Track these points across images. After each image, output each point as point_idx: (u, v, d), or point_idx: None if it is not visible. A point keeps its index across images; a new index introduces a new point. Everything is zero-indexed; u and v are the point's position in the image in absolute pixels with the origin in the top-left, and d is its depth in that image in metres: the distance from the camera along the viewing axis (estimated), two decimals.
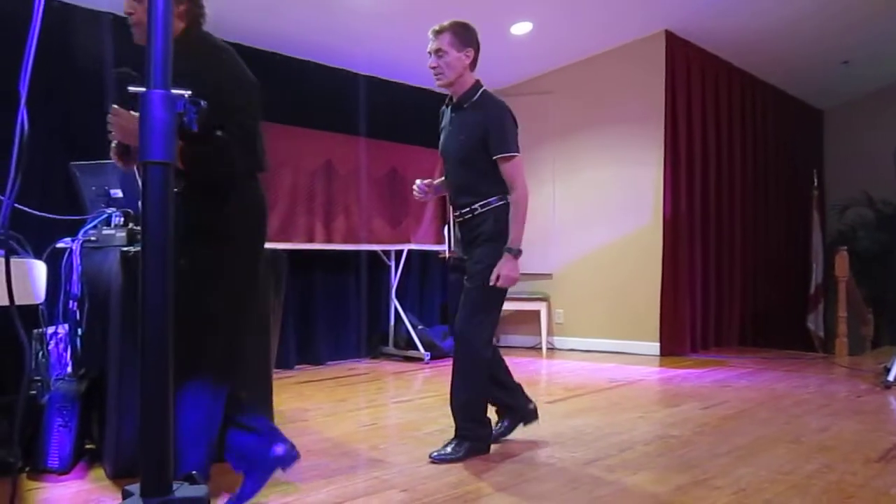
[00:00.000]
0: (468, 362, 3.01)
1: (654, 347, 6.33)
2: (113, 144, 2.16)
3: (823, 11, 6.14)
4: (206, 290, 2.12)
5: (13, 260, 1.64)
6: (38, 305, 2.72)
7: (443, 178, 3.24)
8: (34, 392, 2.82)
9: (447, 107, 3.16)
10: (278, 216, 5.30)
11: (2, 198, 1.35)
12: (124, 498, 1.12)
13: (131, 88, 1.19)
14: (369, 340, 6.27)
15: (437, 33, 2.98)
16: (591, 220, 6.72)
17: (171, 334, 1.14)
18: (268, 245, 3.17)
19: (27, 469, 2.68)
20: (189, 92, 1.17)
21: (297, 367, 5.57)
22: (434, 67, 2.99)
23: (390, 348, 6.28)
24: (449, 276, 3.26)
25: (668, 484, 2.65)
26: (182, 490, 1.13)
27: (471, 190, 3.03)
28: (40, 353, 2.97)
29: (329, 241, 5.64)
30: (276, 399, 3.18)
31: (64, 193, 3.98)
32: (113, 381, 2.64)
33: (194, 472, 1.22)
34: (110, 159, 2.26)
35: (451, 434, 3.05)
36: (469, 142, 3.00)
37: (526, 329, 6.96)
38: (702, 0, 5.84)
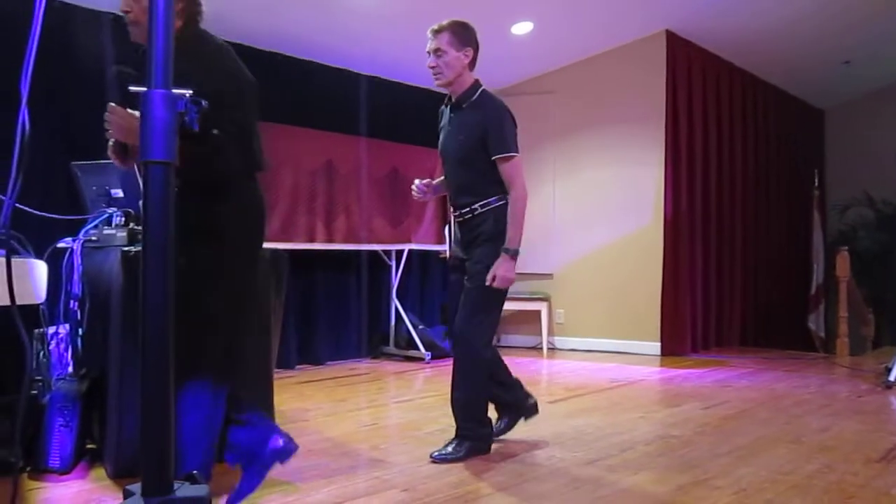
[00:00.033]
0: (468, 362, 3.01)
1: (655, 347, 6.32)
2: (110, 142, 2.16)
3: (824, 11, 6.14)
4: (205, 290, 2.12)
5: (14, 260, 1.64)
6: (38, 305, 2.72)
7: (442, 177, 3.23)
8: (35, 392, 2.82)
9: (446, 106, 3.16)
10: (279, 216, 5.30)
11: (3, 198, 1.35)
12: (125, 497, 1.12)
13: (132, 88, 1.19)
14: (370, 340, 6.27)
15: (436, 33, 2.97)
16: (592, 220, 6.71)
17: (172, 334, 1.14)
18: (269, 245, 3.18)
19: (28, 469, 2.68)
20: (190, 91, 1.17)
21: (297, 366, 5.57)
22: (433, 67, 2.98)
23: (391, 348, 6.28)
24: (449, 277, 3.25)
25: (668, 484, 2.65)
26: (183, 490, 1.13)
27: (470, 190, 3.03)
28: (41, 353, 2.97)
29: (330, 240, 5.64)
30: (276, 399, 3.18)
31: (65, 193, 3.98)
32: (114, 381, 2.64)
33: (195, 471, 1.21)
34: (110, 159, 2.26)
35: (452, 434, 3.05)
36: (468, 142, 2.99)
37: (527, 329, 6.96)
38: (702, 0, 5.84)
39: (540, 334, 6.72)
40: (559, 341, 6.86)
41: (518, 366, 5.09)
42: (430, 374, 5.43)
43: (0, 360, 2.65)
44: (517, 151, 2.99)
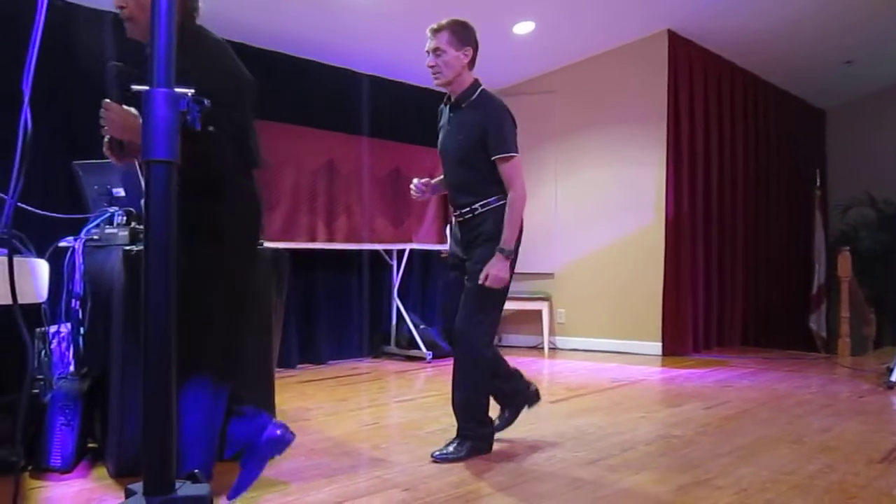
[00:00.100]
0: (468, 362, 3.01)
1: (656, 347, 6.32)
2: (106, 139, 2.15)
3: (825, 11, 6.14)
4: (205, 289, 2.11)
5: (16, 259, 1.64)
6: (40, 304, 2.72)
7: (441, 177, 3.22)
8: (37, 391, 2.82)
9: (445, 105, 3.15)
10: (280, 215, 5.30)
11: (5, 197, 1.36)
12: (127, 496, 1.12)
13: (135, 87, 1.18)
14: (371, 340, 6.27)
15: (436, 32, 2.96)
16: (593, 220, 6.71)
17: (174, 333, 1.14)
18: (270, 244, 3.18)
19: (30, 468, 2.68)
20: (192, 90, 1.17)
21: (298, 366, 5.57)
22: (432, 66, 2.97)
23: (392, 348, 6.28)
24: (447, 275, 3.23)
25: (669, 484, 2.65)
26: (185, 489, 1.13)
27: (470, 190, 3.02)
28: (43, 352, 2.97)
29: (331, 240, 5.64)
30: (277, 398, 3.18)
31: (66, 192, 3.98)
32: (115, 380, 2.64)
33: (197, 470, 1.21)
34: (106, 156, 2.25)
35: (453, 433, 3.05)
36: (467, 142, 2.99)
37: (528, 329, 6.96)
38: (704, 0, 5.84)
39: (541, 334, 6.72)
40: (560, 341, 6.86)
41: (519, 365, 5.07)
42: (431, 373, 5.43)
43: (2, 359, 2.65)
44: (517, 152, 2.98)
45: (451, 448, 2.99)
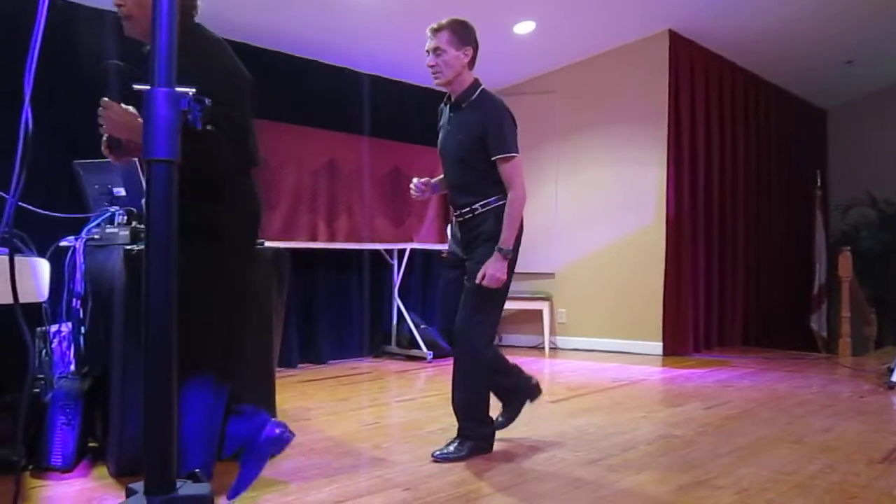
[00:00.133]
0: (469, 362, 3.01)
1: (657, 347, 6.32)
2: (104, 138, 2.14)
3: (826, 11, 6.13)
4: (205, 289, 2.11)
5: (17, 258, 1.64)
6: (41, 303, 2.72)
7: (441, 176, 3.21)
8: (37, 390, 2.82)
9: (445, 105, 3.14)
10: (281, 215, 5.30)
11: (6, 196, 1.36)
12: (128, 496, 1.12)
13: (136, 87, 1.18)
14: (372, 339, 6.27)
15: (435, 31, 2.95)
16: (594, 220, 6.71)
17: (175, 332, 1.14)
18: (270, 244, 3.18)
19: (30, 467, 2.68)
20: (193, 90, 1.17)
21: (299, 365, 5.57)
22: (432, 66, 2.96)
23: (393, 347, 6.28)
24: (446, 274, 3.22)
25: (670, 484, 2.65)
26: (185, 488, 1.13)
27: (470, 189, 3.02)
28: (44, 352, 2.98)
29: (332, 240, 5.65)
30: (278, 398, 3.18)
31: (67, 192, 3.98)
32: (116, 380, 2.64)
33: (197, 470, 1.21)
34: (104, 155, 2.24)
35: (454, 433, 3.05)
36: (467, 141, 2.98)
37: (528, 328, 6.96)
38: (704, 0, 5.83)
39: (542, 334, 6.72)
40: (561, 341, 6.86)
41: (520, 365, 5.07)
42: (431, 373, 5.43)
43: (2, 359, 2.65)
44: (517, 152, 2.98)
45: (451, 448, 2.99)
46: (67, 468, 2.68)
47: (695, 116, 6.64)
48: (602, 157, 6.72)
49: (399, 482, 2.65)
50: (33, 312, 2.82)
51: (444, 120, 3.14)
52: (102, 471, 2.72)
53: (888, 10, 6.18)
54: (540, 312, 6.71)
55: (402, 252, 6.23)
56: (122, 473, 2.61)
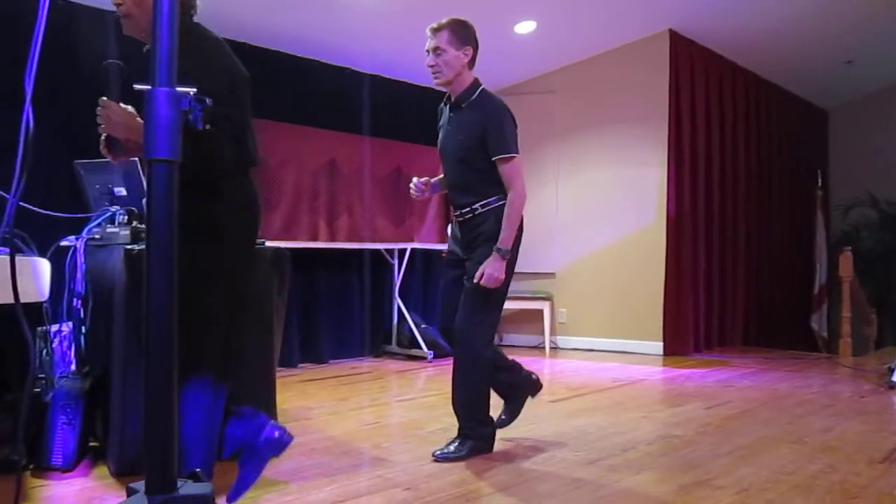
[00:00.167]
0: (468, 362, 3.01)
1: (658, 347, 6.32)
2: (102, 137, 2.14)
3: (827, 11, 6.13)
4: (204, 289, 2.11)
5: (17, 258, 1.64)
6: (42, 303, 2.72)
7: (441, 176, 3.21)
8: (38, 390, 2.82)
9: (445, 105, 3.14)
10: (281, 214, 5.30)
11: (7, 196, 1.36)
12: (129, 495, 1.12)
13: (137, 86, 1.18)
14: (372, 339, 6.27)
15: (435, 31, 2.94)
16: (595, 220, 6.71)
17: (176, 332, 1.14)
18: (271, 243, 3.18)
19: (31, 466, 2.69)
20: (194, 90, 1.17)
21: (300, 365, 5.57)
22: (432, 66, 2.96)
23: (393, 347, 6.28)
24: (448, 275, 3.22)
25: (670, 484, 2.65)
26: (186, 487, 1.13)
27: (470, 189, 3.01)
28: (44, 351, 2.98)
29: (332, 239, 5.65)
30: (279, 397, 3.18)
31: (68, 191, 3.98)
32: (117, 379, 2.65)
33: (199, 469, 1.21)
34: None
35: (455, 433, 3.05)
36: (467, 142, 2.98)
37: (529, 328, 6.96)
38: (705, 0, 5.83)
39: (542, 333, 6.72)
40: (561, 340, 6.86)
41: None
42: (432, 372, 5.43)
43: (3, 358, 2.66)
44: (517, 152, 2.97)
45: (452, 447, 2.99)
46: (68, 468, 2.68)
47: (695, 116, 6.63)
48: (602, 156, 6.71)
49: (399, 482, 2.65)
50: (34, 312, 2.83)
51: (443, 120, 3.14)
52: (103, 470, 2.72)
53: (888, 9, 6.18)
54: (540, 312, 6.71)
55: (402, 252, 6.23)
56: (122, 473, 2.61)
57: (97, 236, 3.00)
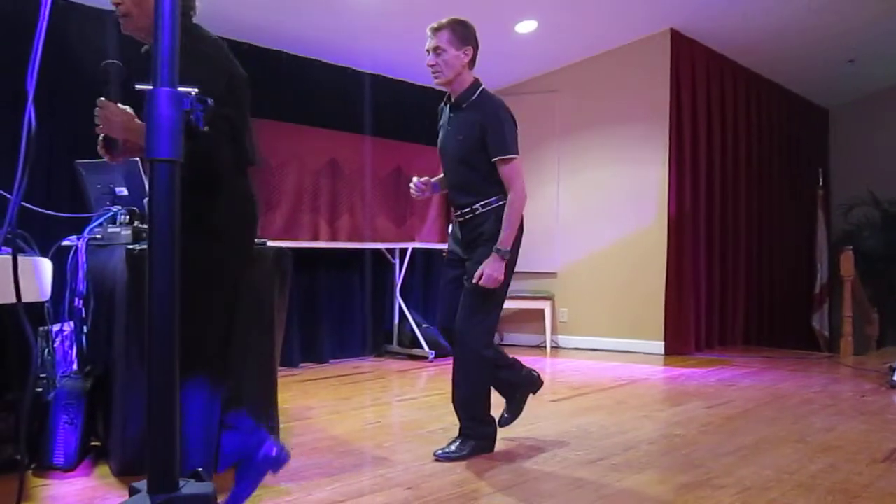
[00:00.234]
0: (468, 362, 3.01)
1: (659, 346, 6.32)
2: (100, 137, 2.14)
3: (829, 10, 6.13)
4: (203, 288, 2.11)
5: (19, 258, 1.64)
6: (43, 303, 2.73)
7: (441, 175, 3.21)
8: (40, 389, 2.83)
9: (445, 105, 3.14)
10: (283, 214, 5.30)
11: (9, 196, 1.36)
12: (131, 495, 1.12)
13: (139, 86, 1.18)
14: (374, 339, 6.27)
15: (436, 31, 2.94)
16: (596, 219, 6.71)
17: (177, 331, 1.14)
18: (273, 243, 3.18)
19: (33, 466, 2.69)
20: (196, 90, 1.17)
21: (301, 365, 5.57)
22: (432, 66, 2.95)
23: (394, 346, 6.28)
24: (448, 275, 3.22)
25: (672, 483, 2.65)
26: (188, 487, 1.13)
27: (471, 189, 3.01)
28: (46, 351, 2.98)
29: (333, 239, 5.65)
30: (280, 397, 3.18)
31: (69, 191, 3.99)
32: (118, 379, 2.65)
33: (200, 469, 1.21)
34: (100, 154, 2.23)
35: (456, 432, 3.06)
36: (467, 142, 2.97)
37: (530, 328, 6.96)
38: None
39: (543, 333, 6.72)
40: (563, 340, 6.86)
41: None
42: (433, 372, 5.44)
43: (5, 358, 2.66)
44: (517, 153, 2.97)
45: (453, 447, 2.99)
46: (70, 467, 2.68)
47: (696, 116, 6.63)
48: (603, 156, 6.71)
49: (401, 481, 2.65)
50: (36, 312, 2.83)
51: (443, 120, 3.14)
52: (105, 470, 2.73)
53: (890, 9, 6.17)
54: (542, 311, 6.71)
55: (403, 251, 6.23)
56: (124, 472, 2.61)
57: (98, 236, 3.00)
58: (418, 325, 6.10)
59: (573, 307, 6.82)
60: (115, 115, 2.02)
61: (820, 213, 8.05)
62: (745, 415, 3.91)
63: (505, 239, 2.91)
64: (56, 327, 3.03)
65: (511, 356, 3.28)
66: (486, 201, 2.98)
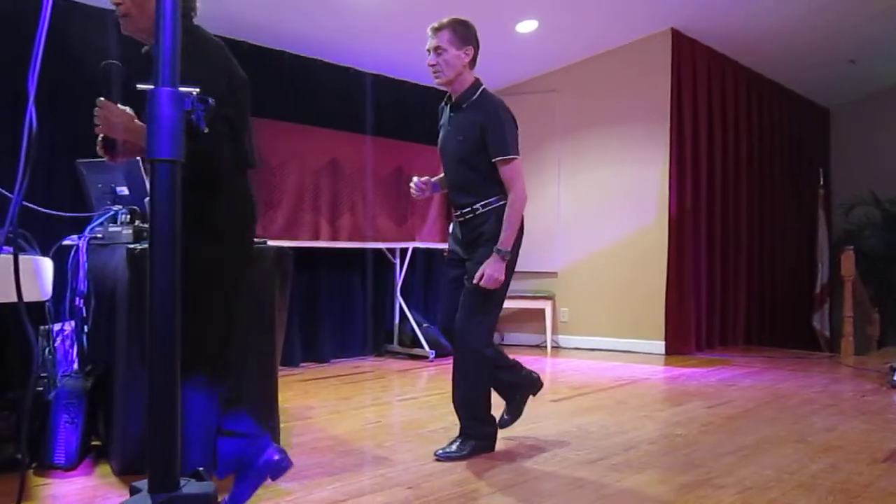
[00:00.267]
0: (468, 361, 3.01)
1: (660, 346, 6.32)
2: (99, 138, 2.14)
3: (830, 9, 6.12)
4: (203, 288, 2.11)
5: (20, 257, 1.64)
6: (44, 302, 2.73)
7: (442, 175, 3.21)
8: (41, 388, 2.83)
9: (446, 105, 3.13)
10: (284, 213, 5.31)
11: (10, 195, 1.36)
12: (132, 494, 1.12)
13: (140, 86, 1.19)
14: (374, 338, 6.27)
15: (436, 30, 2.94)
16: (597, 219, 6.71)
17: (179, 331, 1.14)
18: (273, 242, 3.18)
19: (34, 465, 2.69)
20: (197, 90, 1.17)
21: (302, 364, 5.57)
22: (433, 65, 2.95)
23: (395, 346, 6.29)
24: (448, 274, 3.22)
25: (672, 483, 2.65)
26: (189, 486, 1.13)
27: (471, 190, 3.01)
28: (47, 350, 2.98)
29: (334, 238, 5.65)
30: (281, 396, 3.18)
31: (70, 191, 3.99)
32: (119, 378, 2.65)
33: (201, 468, 1.22)
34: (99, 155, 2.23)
35: (456, 432, 3.06)
36: (467, 143, 2.97)
37: (531, 327, 6.96)
38: None
39: (544, 332, 6.72)
40: (563, 340, 6.86)
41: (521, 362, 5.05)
42: (434, 372, 5.44)
43: (6, 357, 2.66)
44: (517, 154, 2.97)
45: (453, 447, 2.99)
46: (71, 466, 2.69)
47: (697, 115, 6.63)
48: (604, 156, 6.71)
49: (401, 481, 2.65)
50: (36, 311, 2.83)
51: (444, 119, 3.13)
52: (106, 469, 2.73)
53: (891, 8, 6.17)
54: (542, 311, 6.71)
55: (404, 251, 6.23)
56: (125, 472, 2.62)
57: (99, 235, 3.00)
58: (419, 325, 6.10)
59: (574, 307, 6.82)
60: (115, 115, 2.02)
61: (821, 212, 8.04)
62: (746, 415, 3.91)
63: (505, 239, 2.91)
64: (57, 326, 3.03)
65: (511, 358, 3.29)
66: (486, 201, 2.98)
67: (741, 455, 3.04)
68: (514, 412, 3.29)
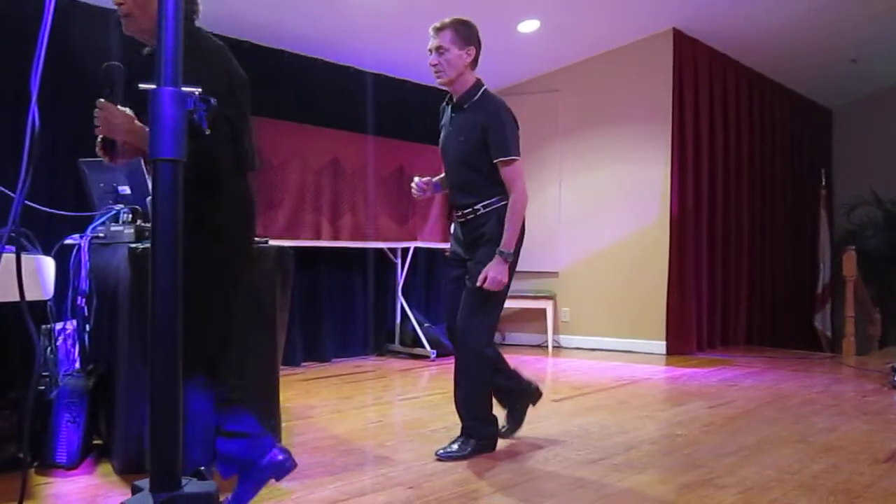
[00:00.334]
0: (469, 361, 3.01)
1: (661, 346, 6.32)
2: (98, 139, 2.15)
3: (830, 9, 6.12)
4: (203, 288, 2.11)
5: (22, 256, 1.65)
6: (46, 301, 2.73)
7: (443, 175, 3.21)
8: (42, 388, 2.84)
9: (447, 105, 3.13)
10: (285, 213, 5.31)
11: (12, 194, 1.36)
12: (133, 493, 1.12)
13: (142, 86, 1.19)
14: (376, 338, 6.27)
15: (438, 30, 2.94)
16: (598, 219, 6.71)
17: (181, 330, 1.14)
18: (274, 242, 3.18)
19: (35, 464, 2.70)
20: (199, 90, 1.17)
21: (303, 364, 5.58)
22: (434, 65, 2.95)
23: (396, 346, 6.29)
24: (450, 274, 3.22)
25: (673, 483, 2.65)
26: (191, 486, 1.13)
27: (472, 190, 3.01)
28: (49, 349, 2.99)
29: (336, 238, 5.65)
30: (282, 396, 3.18)
31: (72, 190, 3.99)
32: (121, 377, 2.65)
33: (202, 468, 1.22)
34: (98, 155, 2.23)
35: (458, 431, 3.06)
36: (468, 143, 2.97)
37: (532, 327, 6.96)
38: None
39: (545, 332, 6.72)
40: (564, 339, 6.86)
41: (523, 364, 5.07)
42: (435, 371, 5.44)
43: (8, 356, 2.66)
44: (518, 154, 2.97)
45: (455, 446, 2.99)
46: (72, 465, 2.69)
47: (699, 115, 6.63)
48: (606, 155, 6.71)
49: (403, 480, 2.65)
50: (38, 310, 2.83)
51: (445, 119, 3.13)
52: (107, 468, 2.73)
53: (892, 8, 6.16)
54: (543, 311, 6.71)
55: (405, 251, 6.23)
56: (126, 471, 2.62)
57: (101, 235, 3.00)
58: (420, 325, 6.10)
59: (575, 307, 6.82)
60: (115, 117, 2.02)
61: (822, 212, 8.04)
62: (747, 415, 3.91)
63: (507, 241, 2.91)
64: (59, 325, 3.03)
65: (513, 368, 3.29)
66: (487, 202, 2.98)
67: (742, 455, 3.04)
68: (513, 422, 3.30)
